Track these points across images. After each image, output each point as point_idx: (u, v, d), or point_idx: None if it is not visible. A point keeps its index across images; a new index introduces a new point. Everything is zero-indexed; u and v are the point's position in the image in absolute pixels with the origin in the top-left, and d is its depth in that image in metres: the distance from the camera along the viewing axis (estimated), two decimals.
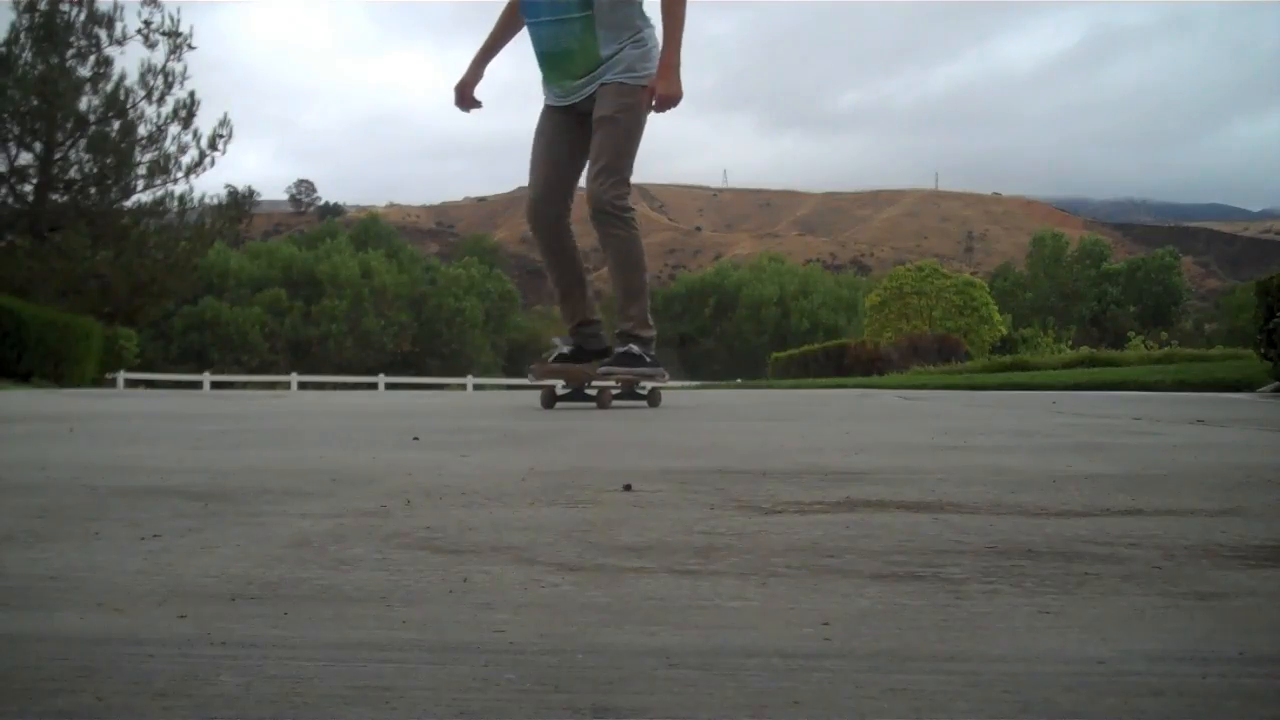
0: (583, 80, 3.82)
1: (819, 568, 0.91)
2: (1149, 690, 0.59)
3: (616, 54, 3.78)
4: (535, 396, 4.08)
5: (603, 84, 3.79)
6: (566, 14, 3.75)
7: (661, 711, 0.55)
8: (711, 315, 58.41)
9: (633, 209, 3.89)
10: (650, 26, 3.86)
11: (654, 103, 3.78)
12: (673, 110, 3.76)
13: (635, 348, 3.86)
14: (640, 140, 3.86)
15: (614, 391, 3.92)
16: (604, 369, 3.84)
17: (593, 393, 3.91)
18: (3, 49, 16.69)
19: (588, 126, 3.89)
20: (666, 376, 4.04)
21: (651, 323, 3.96)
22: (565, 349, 4.03)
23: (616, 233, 3.83)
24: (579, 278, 4.05)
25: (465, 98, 4.12)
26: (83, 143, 17.27)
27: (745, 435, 2.55)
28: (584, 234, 4.04)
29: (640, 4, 3.84)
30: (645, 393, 4.09)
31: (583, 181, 3.90)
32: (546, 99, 3.97)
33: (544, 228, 3.97)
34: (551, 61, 3.85)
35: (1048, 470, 1.66)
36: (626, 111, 3.80)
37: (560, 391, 3.93)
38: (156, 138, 17.67)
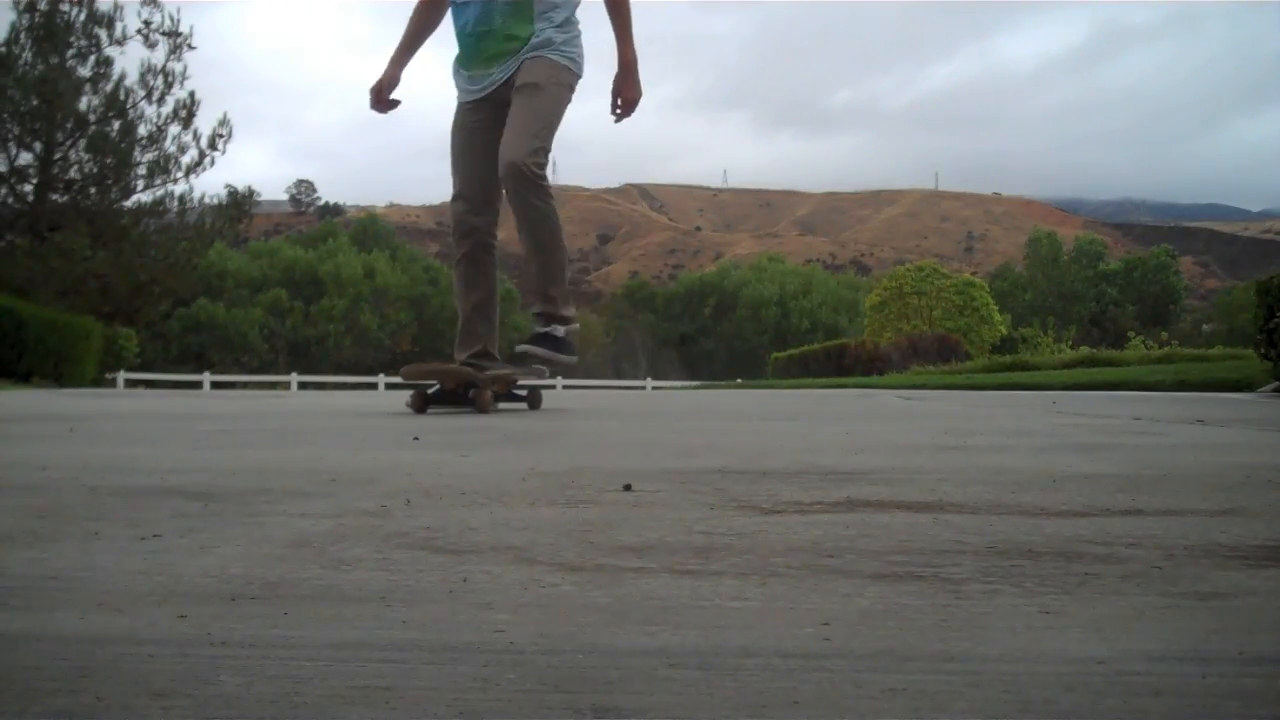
0: (505, 64, 3.61)
1: (819, 568, 0.91)
2: (1149, 690, 0.59)
3: (542, 33, 3.59)
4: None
5: (527, 59, 3.57)
6: None
7: (661, 711, 0.55)
8: (711, 315, 58.40)
9: (549, 182, 3.59)
10: (576, 15, 3.70)
11: (619, 107, 3.63)
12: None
13: (559, 329, 3.60)
14: (561, 121, 3.60)
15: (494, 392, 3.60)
16: (522, 348, 3.58)
17: (481, 395, 3.54)
18: (3, 49, 16.68)
19: (498, 122, 3.65)
20: (574, 364, 3.73)
21: (573, 307, 3.70)
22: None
23: (536, 203, 3.50)
24: (493, 300, 3.74)
25: (382, 100, 3.86)
26: (83, 143, 17.27)
27: (745, 435, 2.55)
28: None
29: None
30: (524, 394, 3.87)
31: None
32: (461, 95, 3.74)
33: (471, 238, 3.67)
34: (474, 43, 3.64)
35: (1048, 470, 1.66)
36: (555, 84, 3.56)
37: (431, 393, 3.57)
38: (156, 138, 17.68)
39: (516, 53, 3.61)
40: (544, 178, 3.54)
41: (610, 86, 3.70)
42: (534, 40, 3.60)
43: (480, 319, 3.69)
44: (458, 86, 3.78)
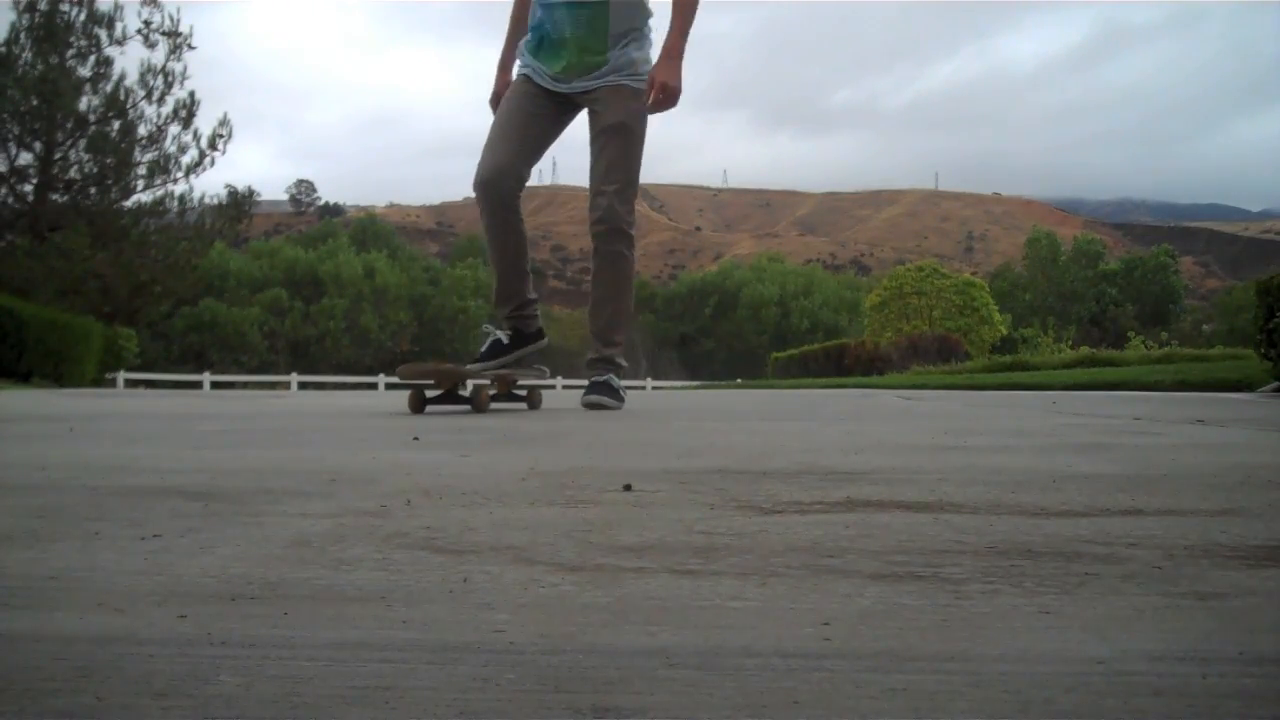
0: (582, 72, 3.65)
1: (819, 568, 0.91)
2: (1149, 690, 0.59)
3: (621, 49, 3.63)
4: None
5: (608, 84, 3.63)
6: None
7: (661, 711, 0.55)
8: (712, 315, 58.40)
9: (634, 230, 3.73)
10: (651, 25, 3.73)
11: (653, 94, 3.57)
12: (670, 108, 3.60)
13: (614, 379, 3.71)
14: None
15: (491, 393, 3.68)
16: (586, 401, 3.66)
17: (466, 394, 3.59)
18: (3, 49, 16.69)
19: (567, 115, 3.73)
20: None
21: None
22: (502, 336, 3.79)
23: (623, 251, 3.67)
24: (525, 255, 3.84)
25: None
26: (83, 143, 17.28)
27: (745, 435, 2.55)
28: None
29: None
30: (524, 394, 3.93)
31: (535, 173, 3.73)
32: (530, 74, 3.74)
33: (501, 202, 3.70)
34: (554, 47, 3.67)
35: (1048, 470, 1.66)
36: (637, 119, 3.65)
37: (430, 395, 3.58)
38: (156, 138, 17.70)
39: (597, 68, 3.65)
40: (633, 226, 3.71)
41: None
42: (614, 61, 3.64)
43: (515, 275, 3.80)
44: (524, 63, 3.77)
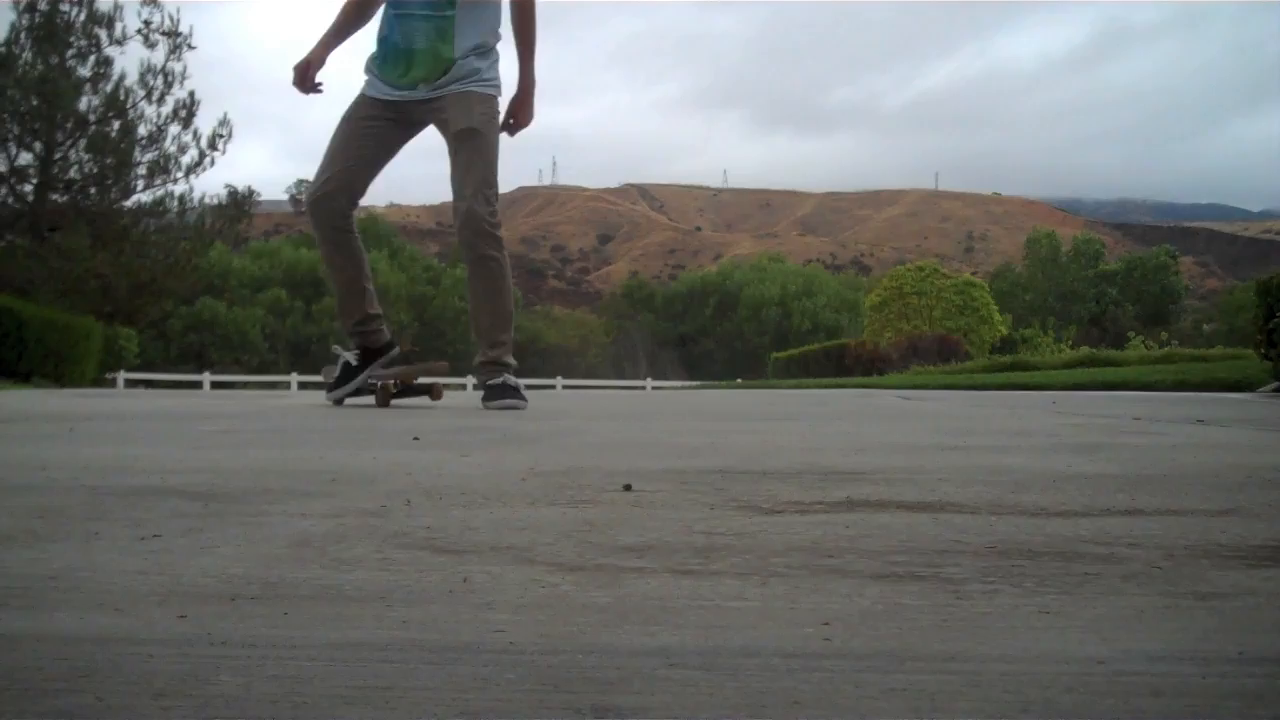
0: (425, 82, 3.71)
1: (819, 568, 0.91)
2: (1149, 690, 0.59)
3: (464, 60, 3.69)
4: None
5: (453, 91, 3.69)
6: (434, 10, 3.65)
7: (661, 711, 0.55)
8: (712, 315, 58.40)
9: (501, 231, 3.76)
10: (498, 39, 3.81)
11: (511, 126, 3.76)
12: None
13: (510, 379, 3.73)
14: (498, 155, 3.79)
15: (394, 389, 3.92)
16: (493, 405, 3.69)
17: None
18: (3, 49, 16.68)
19: (410, 129, 3.82)
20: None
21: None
22: (350, 358, 3.92)
23: (492, 254, 3.68)
24: (363, 272, 3.92)
25: (307, 79, 3.84)
26: (83, 143, 17.26)
27: (745, 435, 2.55)
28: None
29: (497, 13, 3.78)
30: (427, 388, 4.09)
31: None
32: (369, 90, 3.81)
33: (332, 221, 3.78)
34: (400, 56, 3.72)
35: (1048, 470, 1.66)
36: (488, 123, 3.71)
37: (394, 390, 3.94)
38: (156, 138, 17.68)
39: (440, 76, 3.69)
40: (499, 227, 3.70)
41: (507, 107, 3.83)
42: (458, 69, 3.70)
43: (351, 293, 3.92)
44: (369, 82, 3.83)
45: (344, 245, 3.83)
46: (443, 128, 3.76)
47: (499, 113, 3.79)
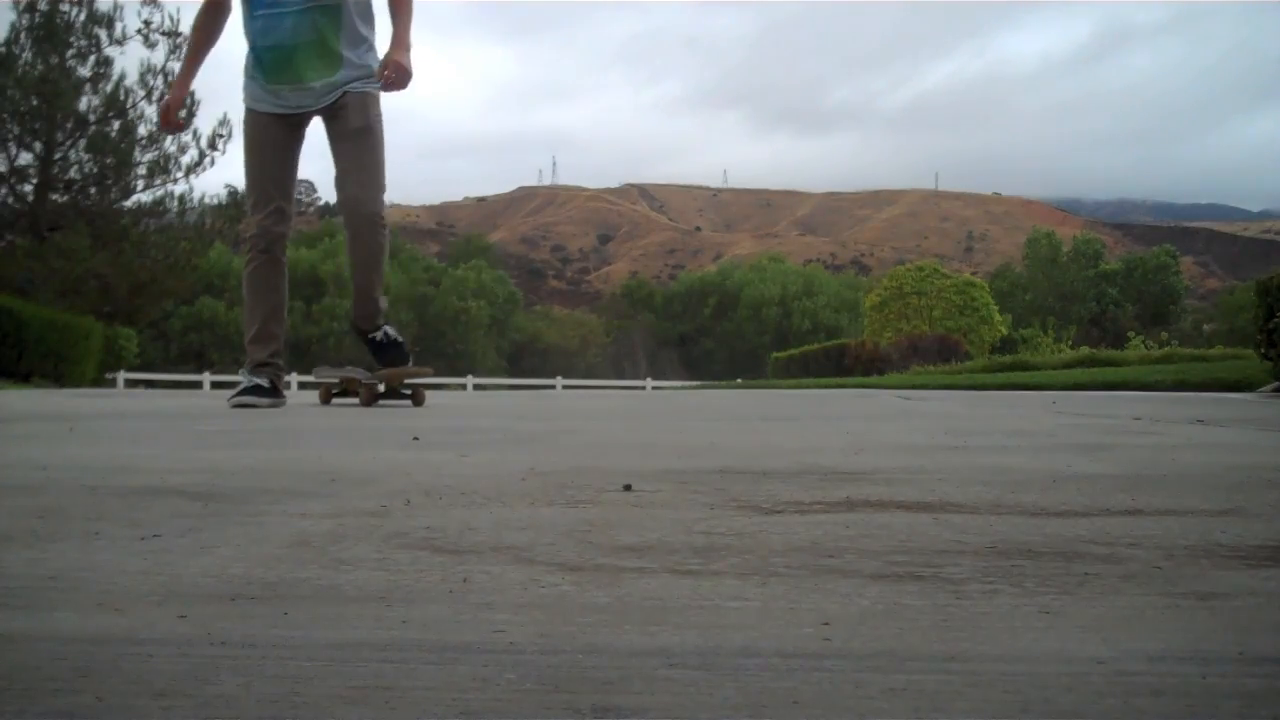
0: (319, 83, 3.72)
1: (819, 568, 0.91)
2: (1149, 690, 0.59)
3: (354, 57, 3.73)
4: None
5: (353, 91, 3.76)
6: (313, 1, 3.64)
7: (661, 711, 0.55)
8: (712, 315, 58.38)
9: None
10: (373, 30, 3.85)
11: (386, 74, 3.67)
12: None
13: (391, 330, 4.04)
14: None
15: (380, 390, 4.09)
16: (387, 371, 3.97)
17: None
18: (3, 49, 16.68)
19: (301, 130, 3.87)
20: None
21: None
22: (263, 382, 3.94)
23: (379, 239, 3.91)
24: (285, 301, 4.08)
25: (170, 119, 4.02)
26: (83, 143, 17.25)
27: (745, 435, 2.55)
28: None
29: (371, 4, 3.81)
30: (409, 393, 4.19)
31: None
32: (258, 105, 3.80)
33: (274, 246, 3.92)
34: (284, 58, 3.69)
35: (1048, 470, 1.66)
36: (378, 121, 3.85)
37: (335, 391, 4.18)
38: (156, 138, 17.64)
39: (331, 71, 3.72)
40: (385, 216, 3.95)
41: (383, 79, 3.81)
42: (347, 70, 3.74)
43: (275, 321, 4.04)
44: (251, 94, 3.83)
45: (281, 269, 3.97)
46: (335, 123, 3.82)
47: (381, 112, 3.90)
